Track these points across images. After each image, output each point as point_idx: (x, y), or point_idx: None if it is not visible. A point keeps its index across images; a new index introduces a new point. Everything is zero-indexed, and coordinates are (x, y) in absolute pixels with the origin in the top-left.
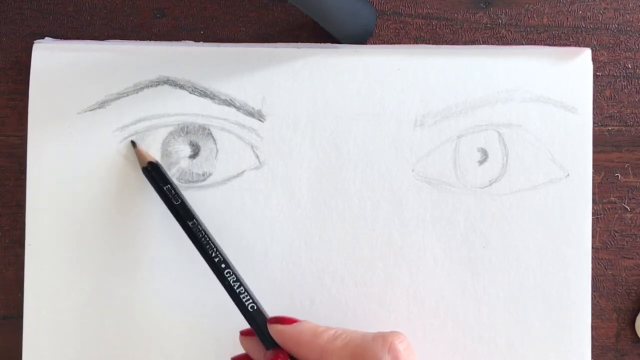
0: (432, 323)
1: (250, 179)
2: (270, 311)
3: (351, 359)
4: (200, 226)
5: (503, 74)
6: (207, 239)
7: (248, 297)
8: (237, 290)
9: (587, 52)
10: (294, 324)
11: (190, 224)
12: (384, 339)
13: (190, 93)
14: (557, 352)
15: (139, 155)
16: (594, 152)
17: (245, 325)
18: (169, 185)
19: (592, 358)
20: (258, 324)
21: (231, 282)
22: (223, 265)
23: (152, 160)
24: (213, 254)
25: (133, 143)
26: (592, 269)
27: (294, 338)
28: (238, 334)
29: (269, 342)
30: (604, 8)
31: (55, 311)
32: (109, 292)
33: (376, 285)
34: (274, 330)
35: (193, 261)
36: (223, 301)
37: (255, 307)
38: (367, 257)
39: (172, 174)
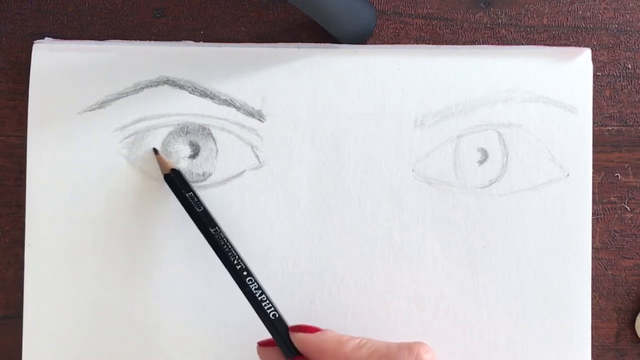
0: (432, 323)
1: (250, 179)
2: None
3: None
4: (222, 234)
5: (503, 74)
6: (229, 246)
7: (270, 305)
8: (259, 298)
9: (587, 52)
10: (318, 332)
11: (212, 231)
12: (410, 349)
13: (190, 93)
14: (557, 352)
15: (161, 162)
16: (594, 152)
17: (242, 328)
18: (191, 192)
19: (592, 358)
20: (280, 333)
21: (253, 289)
22: (245, 273)
23: (174, 167)
24: (235, 261)
25: (155, 150)
26: (592, 269)
27: (317, 347)
28: (237, 331)
29: (290, 351)
30: (604, 8)
31: (55, 311)
32: (109, 292)
33: (376, 285)
34: (297, 338)
35: (194, 261)
36: (224, 301)
37: (277, 315)
38: (367, 257)
39: None
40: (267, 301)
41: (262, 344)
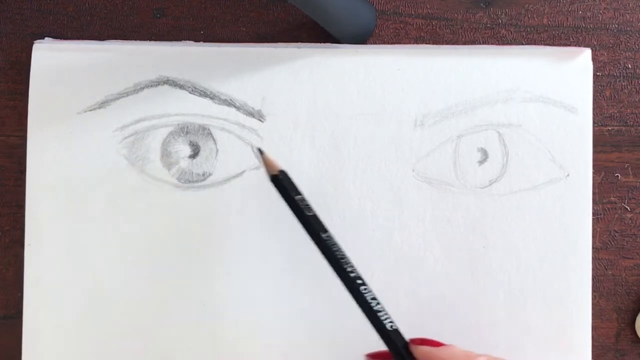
0: (432, 323)
1: (250, 179)
2: (272, 314)
3: None
4: (334, 239)
5: (503, 74)
6: (342, 253)
7: (387, 316)
8: (375, 308)
9: (587, 52)
10: (443, 347)
11: (324, 236)
12: None
13: (190, 93)
14: (557, 352)
15: (267, 163)
16: (594, 152)
17: (243, 326)
18: (300, 196)
19: (592, 358)
20: (398, 346)
21: (369, 299)
22: (359, 281)
23: (282, 168)
24: (349, 269)
25: (260, 151)
26: (592, 269)
27: None
28: (236, 329)
29: None
30: (604, 8)
31: (55, 311)
32: (109, 292)
33: (376, 285)
34: (421, 352)
35: (192, 260)
36: (220, 299)
37: (395, 327)
38: (367, 257)
39: (172, 173)
40: (384, 312)
41: (373, 356)
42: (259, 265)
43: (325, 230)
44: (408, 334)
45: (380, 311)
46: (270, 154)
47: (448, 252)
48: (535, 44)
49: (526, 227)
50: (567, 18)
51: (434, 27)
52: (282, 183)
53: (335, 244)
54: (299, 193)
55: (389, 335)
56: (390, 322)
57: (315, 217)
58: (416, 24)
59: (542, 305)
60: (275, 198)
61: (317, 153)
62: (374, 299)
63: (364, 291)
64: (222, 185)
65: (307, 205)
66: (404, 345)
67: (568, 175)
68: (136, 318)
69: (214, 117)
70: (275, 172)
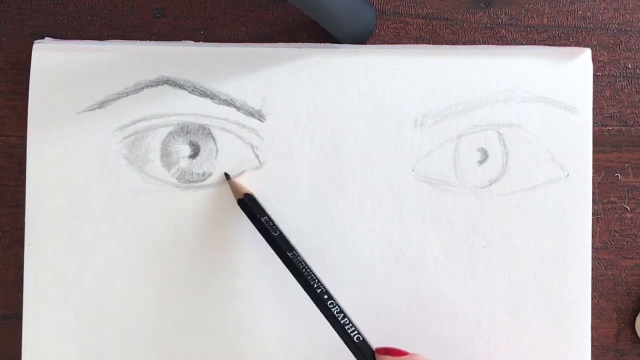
0: (432, 323)
1: (250, 179)
2: (271, 313)
3: None
4: (300, 257)
5: (503, 74)
6: (308, 270)
7: (353, 328)
8: (342, 322)
9: (587, 52)
10: (405, 356)
11: (290, 255)
12: None
13: (190, 93)
14: (557, 352)
15: (234, 187)
16: (594, 152)
17: (240, 329)
18: (266, 217)
19: (592, 358)
20: (365, 356)
21: (335, 312)
22: (326, 297)
23: (248, 192)
24: (315, 285)
25: (227, 175)
26: (592, 269)
27: None
28: (236, 331)
29: None
30: (604, 8)
31: (55, 311)
32: (109, 292)
33: (376, 285)
34: None
35: (192, 260)
36: (221, 300)
37: (361, 338)
38: (367, 257)
39: (172, 173)
40: (350, 324)
41: None
42: (259, 265)
43: (291, 249)
44: (408, 335)
45: (346, 324)
46: (236, 179)
47: (448, 252)
48: (535, 44)
49: (526, 227)
50: (567, 18)
51: (434, 27)
52: (248, 206)
53: (301, 262)
54: (265, 214)
55: (356, 346)
56: (357, 334)
57: (281, 237)
58: (416, 24)
59: (542, 305)
60: (275, 198)
61: (317, 153)
62: (340, 312)
63: (330, 305)
64: (222, 185)
65: (273, 225)
66: (372, 354)
67: (568, 175)
68: (136, 318)
69: (214, 117)
70: (240, 196)
